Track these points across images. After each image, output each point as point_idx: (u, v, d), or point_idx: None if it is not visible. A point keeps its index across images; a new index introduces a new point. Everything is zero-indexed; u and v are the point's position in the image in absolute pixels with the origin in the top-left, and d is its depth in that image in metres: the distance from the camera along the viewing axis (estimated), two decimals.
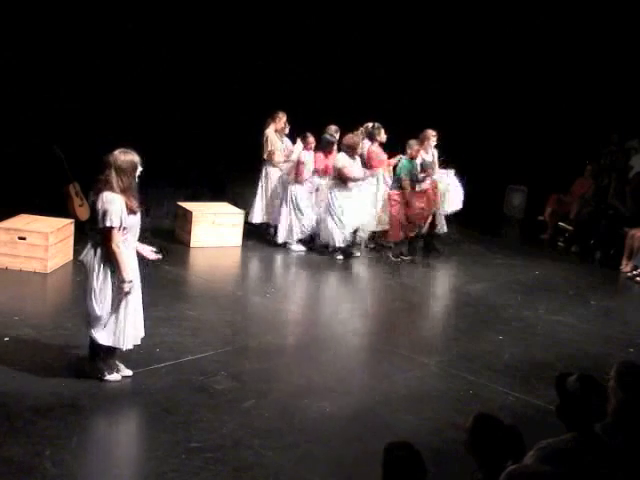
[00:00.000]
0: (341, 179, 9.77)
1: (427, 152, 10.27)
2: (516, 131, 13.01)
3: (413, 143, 9.95)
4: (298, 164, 9.92)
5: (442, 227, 10.63)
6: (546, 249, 11.54)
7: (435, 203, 10.08)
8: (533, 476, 3.03)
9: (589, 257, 10.98)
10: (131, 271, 5.52)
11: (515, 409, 5.91)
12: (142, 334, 5.80)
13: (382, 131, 10.26)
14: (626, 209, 10.91)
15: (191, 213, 9.89)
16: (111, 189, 5.40)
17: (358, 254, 10.13)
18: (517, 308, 8.46)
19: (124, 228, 5.44)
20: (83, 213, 9.78)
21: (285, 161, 10.26)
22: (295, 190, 9.98)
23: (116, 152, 5.49)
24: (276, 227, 10.25)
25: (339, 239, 9.80)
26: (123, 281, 5.44)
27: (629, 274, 10.08)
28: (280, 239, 10.08)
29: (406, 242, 10.15)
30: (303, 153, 9.96)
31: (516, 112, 13.00)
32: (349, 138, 9.89)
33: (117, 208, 5.37)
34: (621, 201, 11.07)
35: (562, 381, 3.60)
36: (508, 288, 9.21)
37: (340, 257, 9.84)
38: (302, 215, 9.98)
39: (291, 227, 10.00)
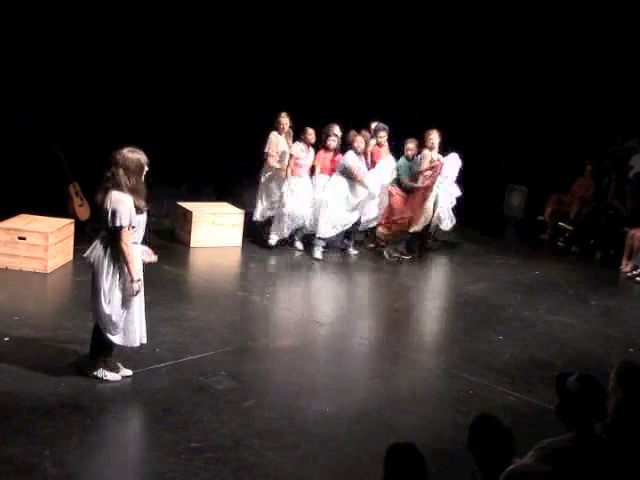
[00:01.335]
0: (348, 176, 9.77)
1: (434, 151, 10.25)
2: (516, 131, 13.00)
3: (410, 142, 10.01)
4: (290, 157, 9.82)
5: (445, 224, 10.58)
6: (546, 249, 11.54)
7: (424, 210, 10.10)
8: (533, 476, 3.04)
9: (589, 257, 10.99)
10: (139, 270, 5.54)
11: (515, 409, 5.91)
12: (145, 339, 5.77)
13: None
14: (626, 209, 10.92)
15: (191, 213, 9.89)
16: (120, 188, 5.38)
17: (356, 252, 10.14)
18: (517, 308, 8.46)
19: (132, 227, 5.45)
20: (83, 213, 9.78)
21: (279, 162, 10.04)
22: (287, 184, 9.82)
23: (124, 151, 5.46)
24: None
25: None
26: (132, 280, 5.46)
27: (629, 274, 10.07)
28: (272, 240, 9.96)
29: (404, 241, 10.17)
30: (297, 147, 9.83)
31: (516, 112, 12.99)
32: (352, 135, 9.94)
33: (127, 208, 5.36)
34: (621, 201, 11.08)
35: (562, 381, 3.60)
36: (508, 288, 9.20)
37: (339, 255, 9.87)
38: (287, 210, 9.79)
39: (277, 222, 9.89)
